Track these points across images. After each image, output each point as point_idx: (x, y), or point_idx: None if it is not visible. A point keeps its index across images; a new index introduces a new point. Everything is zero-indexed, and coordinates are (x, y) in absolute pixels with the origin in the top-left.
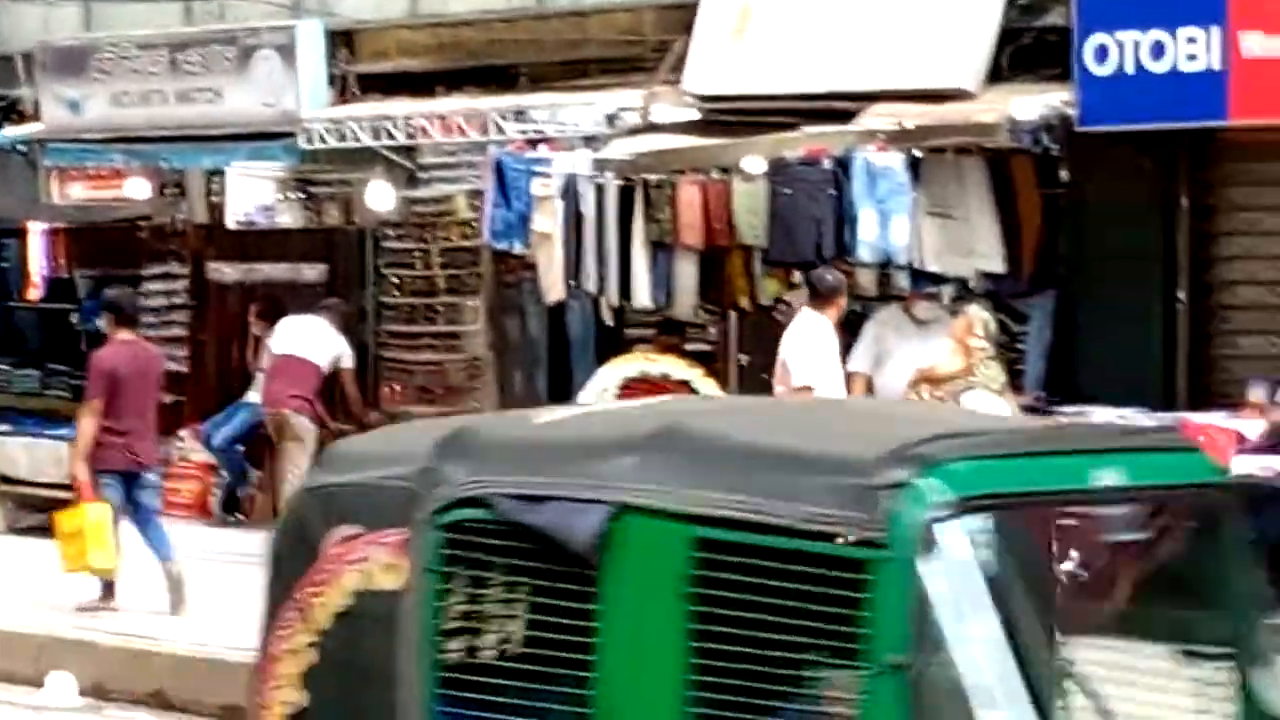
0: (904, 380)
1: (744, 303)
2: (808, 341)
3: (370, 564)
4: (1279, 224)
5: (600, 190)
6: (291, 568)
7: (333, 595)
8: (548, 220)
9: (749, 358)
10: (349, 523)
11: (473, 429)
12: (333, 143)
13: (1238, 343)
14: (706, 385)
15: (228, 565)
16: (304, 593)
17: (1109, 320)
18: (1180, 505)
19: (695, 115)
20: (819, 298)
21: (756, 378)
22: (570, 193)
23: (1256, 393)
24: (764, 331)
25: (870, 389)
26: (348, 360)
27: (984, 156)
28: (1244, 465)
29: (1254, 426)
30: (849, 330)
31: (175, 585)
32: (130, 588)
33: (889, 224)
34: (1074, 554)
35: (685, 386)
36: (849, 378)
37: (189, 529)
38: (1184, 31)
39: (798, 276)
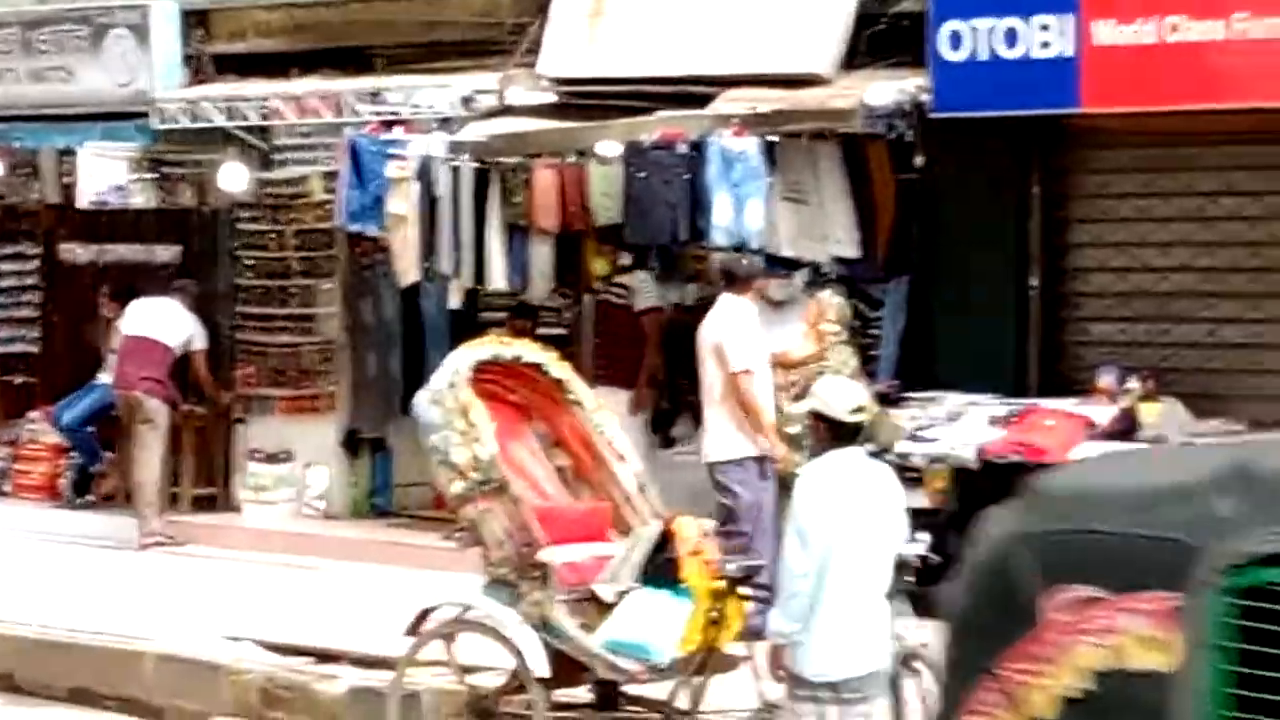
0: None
1: (599, 286)
2: (740, 326)
3: (1121, 637)
4: (1130, 211)
5: (455, 173)
6: (991, 635)
7: (1060, 675)
8: (402, 203)
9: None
10: (1082, 581)
11: (1263, 460)
12: (186, 123)
13: (1088, 329)
14: (560, 369)
15: (77, 548)
16: (1012, 669)
17: (962, 306)
18: None
19: (551, 98)
20: (737, 283)
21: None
22: (425, 175)
23: (1106, 379)
24: (613, 314)
25: None
26: (200, 342)
27: (839, 142)
28: (1093, 451)
29: (1104, 412)
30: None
31: None
32: None
33: (744, 208)
34: None
35: (538, 370)
36: None
37: (39, 511)
38: (1037, 19)
39: (626, 258)
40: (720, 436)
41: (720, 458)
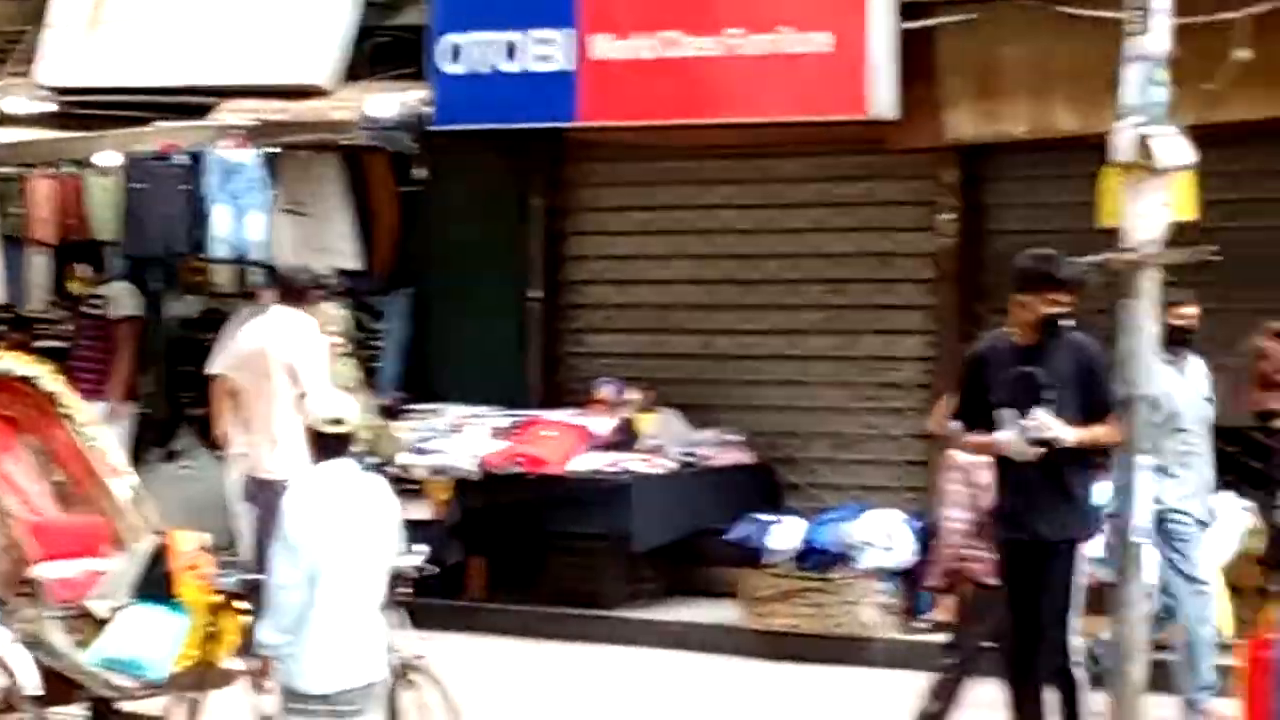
0: None
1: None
2: (310, 342)
3: None
4: (626, 224)
5: None
6: None
7: None
8: None
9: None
10: None
11: None
12: None
13: (588, 341)
14: (53, 383)
15: None
16: None
17: (464, 318)
18: None
19: (50, 108)
20: (295, 295)
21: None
22: None
23: (605, 390)
24: (93, 325)
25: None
26: None
27: (340, 154)
28: (592, 462)
29: (602, 423)
30: (210, 328)
31: None
32: None
33: (243, 220)
34: None
35: (30, 383)
36: (212, 381)
37: None
38: (536, 33)
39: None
40: (295, 453)
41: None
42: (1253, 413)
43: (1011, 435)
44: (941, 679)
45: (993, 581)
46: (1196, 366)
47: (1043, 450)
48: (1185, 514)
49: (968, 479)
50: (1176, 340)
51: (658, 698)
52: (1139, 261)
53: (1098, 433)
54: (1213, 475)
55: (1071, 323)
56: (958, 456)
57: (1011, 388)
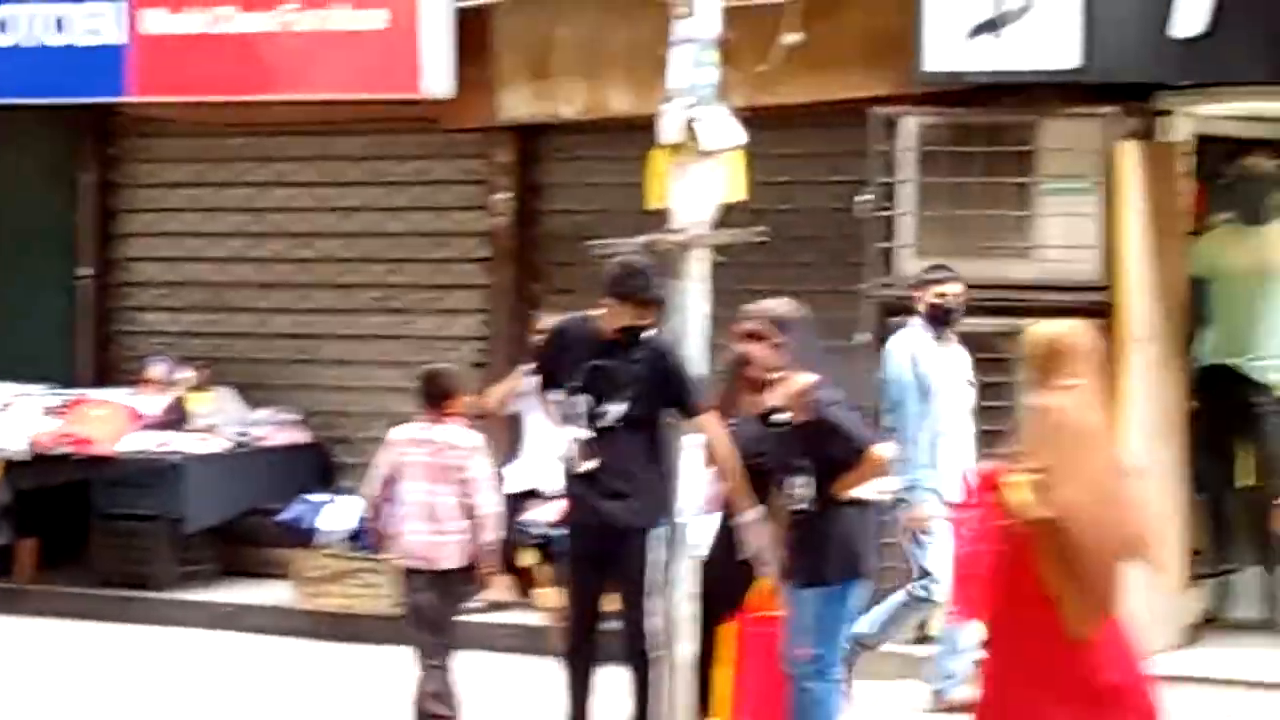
0: None
1: None
2: None
3: None
4: (179, 201)
5: None
6: None
7: None
8: None
9: None
10: None
11: None
12: None
13: (139, 319)
14: None
15: None
16: None
17: (11, 296)
18: None
19: None
20: None
21: None
22: None
23: (156, 369)
24: None
25: None
26: None
27: None
28: (142, 441)
29: (154, 402)
30: None
31: None
32: None
33: None
34: None
35: None
36: None
37: None
38: (85, 6)
39: None
40: None
41: None
42: (756, 415)
43: (572, 444)
44: (424, 667)
45: (410, 563)
46: (958, 349)
47: (594, 464)
48: (934, 493)
49: (393, 455)
50: (938, 320)
51: (207, 679)
52: (687, 242)
53: (724, 449)
54: (971, 458)
55: (654, 332)
56: (390, 434)
57: (589, 376)
